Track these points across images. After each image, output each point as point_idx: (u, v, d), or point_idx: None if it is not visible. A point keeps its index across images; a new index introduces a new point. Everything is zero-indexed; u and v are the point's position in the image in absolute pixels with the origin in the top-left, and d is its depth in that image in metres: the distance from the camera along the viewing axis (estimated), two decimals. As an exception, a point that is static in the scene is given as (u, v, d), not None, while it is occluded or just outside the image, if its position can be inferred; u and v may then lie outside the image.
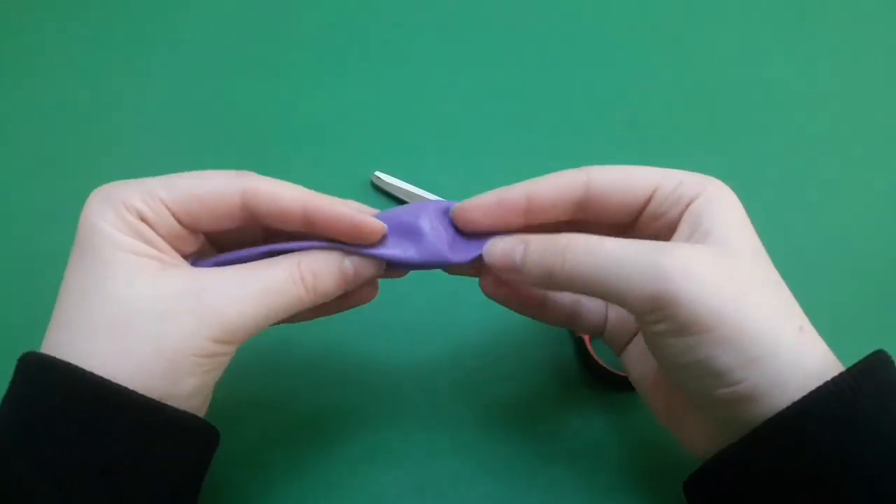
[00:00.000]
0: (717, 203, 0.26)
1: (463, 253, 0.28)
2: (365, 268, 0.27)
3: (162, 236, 0.25)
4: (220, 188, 0.26)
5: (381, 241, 0.27)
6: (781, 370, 0.23)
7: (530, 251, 0.26)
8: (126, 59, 0.48)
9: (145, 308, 0.23)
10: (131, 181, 0.26)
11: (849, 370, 0.24)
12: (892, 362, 0.25)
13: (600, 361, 0.35)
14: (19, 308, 0.38)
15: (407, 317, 0.38)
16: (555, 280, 0.26)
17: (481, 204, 0.27)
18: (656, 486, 0.34)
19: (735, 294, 0.24)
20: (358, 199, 0.29)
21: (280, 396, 0.35)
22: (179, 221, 0.26)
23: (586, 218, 0.28)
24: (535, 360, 0.37)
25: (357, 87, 0.47)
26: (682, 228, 0.26)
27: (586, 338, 0.36)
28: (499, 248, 0.27)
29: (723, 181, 0.28)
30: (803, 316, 0.26)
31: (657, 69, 0.50)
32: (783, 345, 0.24)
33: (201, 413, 0.26)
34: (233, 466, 0.33)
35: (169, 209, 0.25)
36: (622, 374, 0.34)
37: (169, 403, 0.24)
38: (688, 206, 0.26)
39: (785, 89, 0.49)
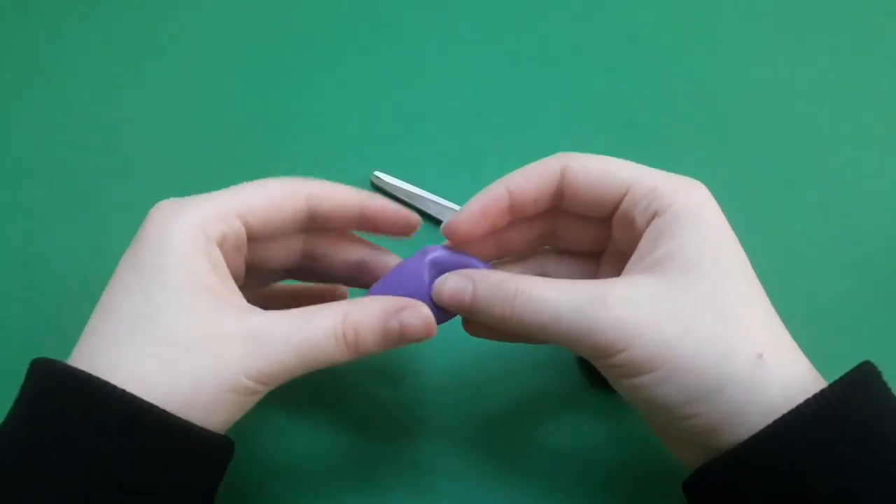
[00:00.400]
0: (681, 221, 0.25)
1: None
2: (413, 328, 0.26)
3: (227, 255, 0.26)
4: (287, 193, 0.27)
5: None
6: (736, 401, 0.23)
7: (479, 294, 0.26)
8: (125, 59, 0.48)
9: (196, 343, 0.23)
10: (199, 197, 0.26)
11: (830, 387, 0.23)
12: (879, 374, 0.24)
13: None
14: (19, 308, 0.38)
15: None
16: (506, 326, 0.26)
17: (468, 217, 0.28)
18: (655, 490, 0.34)
19: (678, 331, 0.24)
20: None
21: (279, 404, 0.35)
22: (246, 227, 0.26)
23: (565, 208, 0.28)
24: (534, 361, 0.37)
25: (357, 86, 0.47)
26: (642, 247, 0.26)
27: None
28: (447, 287, 0.27)
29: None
30: (772, 339, 0.25)
31: (657, 69, 0.50)
32: (735, 377, 0.23)
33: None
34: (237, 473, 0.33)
35: (241, 218, 0.26)
36: None
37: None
38: (653, 218, 0.26)
39: (785, 89, 0.49)
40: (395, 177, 0.42)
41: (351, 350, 0.25)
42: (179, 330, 0.23)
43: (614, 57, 0.50)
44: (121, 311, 0.24)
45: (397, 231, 0.30)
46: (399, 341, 0.26)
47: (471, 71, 0.49)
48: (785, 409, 0.23)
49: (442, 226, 0.28)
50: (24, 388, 0.24)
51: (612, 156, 0.29)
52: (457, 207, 0.41)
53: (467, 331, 0.30)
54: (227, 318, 0.24)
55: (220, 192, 0.27)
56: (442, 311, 0.27)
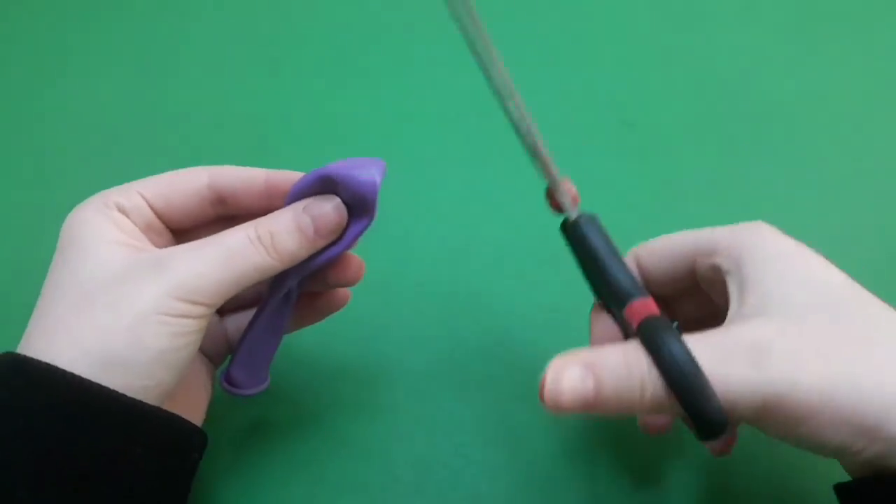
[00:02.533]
0: (760, 267, 0.24)
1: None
2: (324, 215, 0.26)
3: (138, 227, 0.26)
4: (189, 173, 0.28)
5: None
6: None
7: (604, 387, 0.22)
8: (127, 61, 0.48)
9: (107, 279, 0.24)
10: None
11: None
12: None
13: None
14: (19, 308, 0.37)
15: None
16: (633, 412, 0.23)
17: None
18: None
19: (830, 374, 0.21)
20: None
21: (270, 400, 0.35)
22: (155, 211, 0.27)
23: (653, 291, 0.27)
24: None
25: (357, 87, 0.48)
26: (733, 305, 0.24)
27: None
28: (565, 386, 0.22)
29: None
30: None
31: (657, 69, 0.50)
32: (893, 406, 0.22)
33: (195, 415, 0.27)
34: (225, 469, 0.33)
35: (145, 199, 0.27)
36: None
37: (136, 371, 0.23)
38: (733, 271, 0.25)
39: (785, 88, 0.49)
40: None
41: (270, 251, 0.25)
42: (95, 274, 0.24)
43: (614, 57, 0.50)
44: (45, 287, 0.25)
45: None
46: (316, 235, 0.26)
47: (470, 71, 0.48)
48: None
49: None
50: None
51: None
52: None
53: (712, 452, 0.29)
54: (140, 255, 0.25)
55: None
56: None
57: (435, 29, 0.51)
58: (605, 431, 0.35)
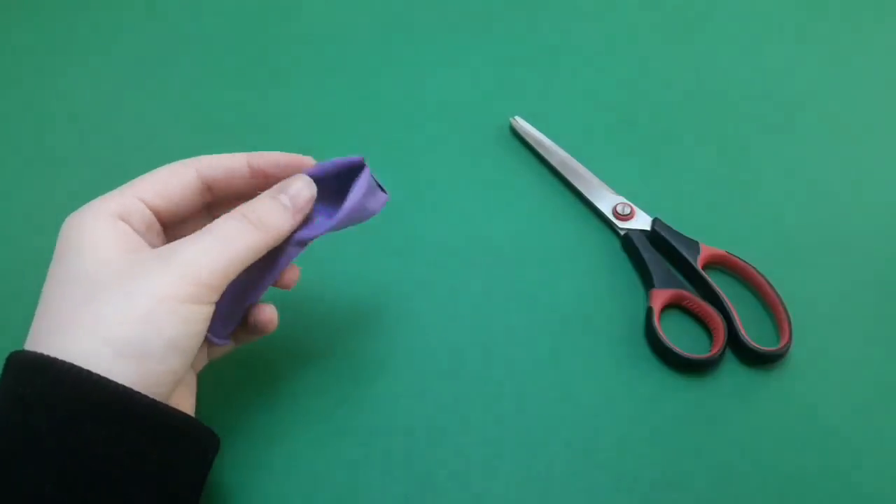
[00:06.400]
0: None
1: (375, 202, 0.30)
2: (300, 196, 0.29)
3: (137, 231, 0.27)
4: (179, 168, 0.29)
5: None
6: None
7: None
8: (126, 60, 0.49)
9: (116, 273, 0.25)
10: (97, 198, 0.28)
11: None
12: None
13: (666, 341, 0.36)
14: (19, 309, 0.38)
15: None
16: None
17: None
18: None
19: None
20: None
21: (277, 398, 0.35)
22: (150, 208, 0.28)
23: None
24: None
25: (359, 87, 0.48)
26: None
27: (656, 311, 0.37)
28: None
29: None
30: None
31: (657, 69, 0.49)
32: None
33: (188, 404, 0.28)
34: (230, 465, 0.33)
35: (144, 202, 0.28)
36: (686, 354, 0.35)
37: (151, 358, 0.24)
38: None
39: (784, 88, 0.49)
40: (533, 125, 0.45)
41: (261, 229, 0.27)
42: (102, 267, 0.25)
43: (614, 57, 0.50)
44: (46, 287, 0.26)
45: (289, 172, 0.30)
46: (294, 209, 0.29)
47: (469, 71, 0.48)
48: None
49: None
50: (3, 379, 0.24)
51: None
52: (581, 168, 0.43)
53: None
54: (144, 250, 0.26)
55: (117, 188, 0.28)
56: None
57: (434, 29, 0.50)
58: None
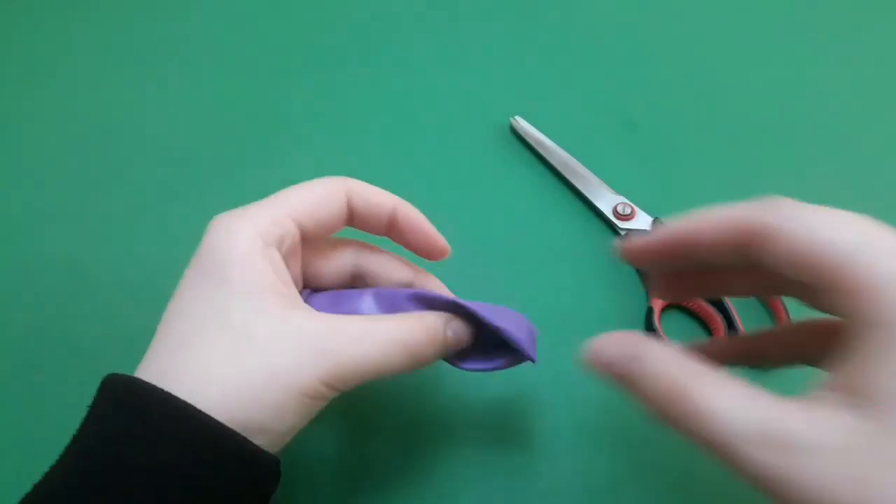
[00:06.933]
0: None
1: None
2: (459, 333, 0.27)
3: (284, 257, 0.26)
4: (330, 189, 0.27)
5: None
6: None
7: (646, 372, 0.21)
8: (124, 59, 0.49)
9: (267, 341, 0.23)
10: (252, 206, 0.26)
11: None
12: None
13: (665, 339, 0.36)
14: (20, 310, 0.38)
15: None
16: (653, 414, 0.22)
17: (645, 241, 0.25)
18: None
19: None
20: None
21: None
22: (302, 234, 0.27)
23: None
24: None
25: (357, 87, 0.47)
26: (852, 363, 0.19)
27: (656, 311, 0.37)
28: (611, 349, 0.22)
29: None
30: None
31: (657, 69, 0.49)
32: None
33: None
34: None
35: (296, 222, 0.26)
36: None
37: (267, 437, 0.23)
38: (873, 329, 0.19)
39: (785, 88, 0.49)
40: (533, 125, 0.45)
41: (438, 350, 0.26)
42: (249, 329, 0.23)
43: (614, 57, 0.50)
44: (189, 315, 0.24)
45: (423, 249, 0.29)
46: (445, 346, 0.27)
47: (470, 70, 0.48)
48: None
49: (616, 243, 0.27)
50: (95, 405, 0.23)
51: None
52: (581, 168, 0.43)
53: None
54: (298, 316, 0.24)
55: (269, 198, 0.27)
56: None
57: (434, 28, 0.50)
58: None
